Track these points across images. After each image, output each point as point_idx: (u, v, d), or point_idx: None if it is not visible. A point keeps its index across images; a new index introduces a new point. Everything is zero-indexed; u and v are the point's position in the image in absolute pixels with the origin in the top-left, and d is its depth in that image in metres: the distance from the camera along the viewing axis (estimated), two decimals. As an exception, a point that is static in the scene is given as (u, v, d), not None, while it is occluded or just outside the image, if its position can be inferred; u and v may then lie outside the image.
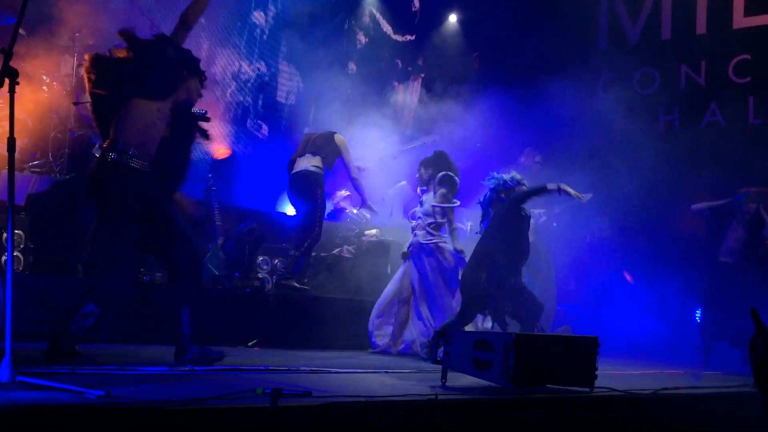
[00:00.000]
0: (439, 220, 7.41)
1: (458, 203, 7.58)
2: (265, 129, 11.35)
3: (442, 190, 7.42)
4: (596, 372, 4.66)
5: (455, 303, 7.14)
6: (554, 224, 10.26)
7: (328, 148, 8.25)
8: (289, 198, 8.49)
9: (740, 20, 10.93)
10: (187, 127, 5.31)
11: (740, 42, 10.83)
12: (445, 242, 7.42)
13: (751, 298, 7.99)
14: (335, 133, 8.43)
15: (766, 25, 10.64)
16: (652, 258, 10.28)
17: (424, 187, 7.66)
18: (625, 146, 10.10)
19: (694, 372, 7.01)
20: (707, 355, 8.21)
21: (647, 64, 11.44)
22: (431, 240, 7.34)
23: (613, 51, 11.59)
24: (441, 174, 7.44)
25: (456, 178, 7.51)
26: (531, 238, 9.02)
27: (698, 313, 9.23)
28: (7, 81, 3.69)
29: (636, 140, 10.18)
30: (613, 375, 5.26)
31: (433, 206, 7.41)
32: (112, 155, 4.83)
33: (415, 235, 7.50)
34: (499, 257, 6.66)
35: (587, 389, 4.59)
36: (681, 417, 4.70)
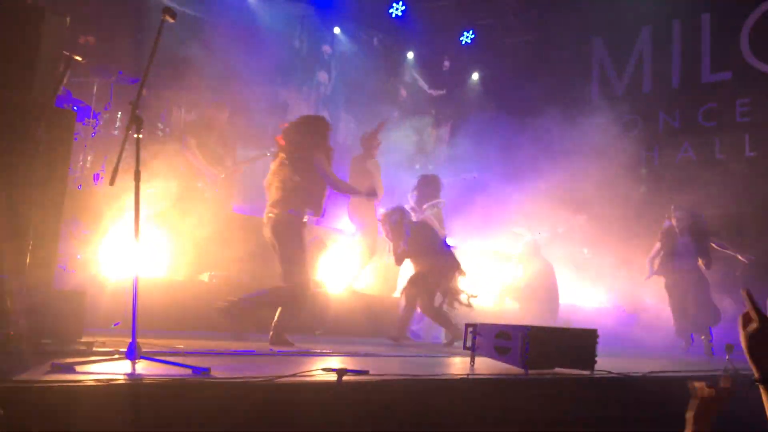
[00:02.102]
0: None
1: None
2: (327, 163, 11.40)
3: (434, 210, 7.37)
4: (596, 358, 4.57)
5: None
6: (557, 240, 10.13)
7: (376, 174, 8.25)
8: (349, 218, 8.44)
9: (707, 76, 10.75)
10: None
11: (707, 94, 10.66)
12: None
13: (705, 295, 7.80)
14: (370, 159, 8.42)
15: (728, 80, 10.45)
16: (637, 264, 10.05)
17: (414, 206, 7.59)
18: (613, 176, 9.94)
19: (675, 358, 6.82)
20: (686, 345, 7.96)
21: (632, 112, 11.30)
22: None
23: (604, 102, 11.48)
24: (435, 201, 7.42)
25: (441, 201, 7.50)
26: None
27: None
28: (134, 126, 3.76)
29: (622, 171, 10.02)
30: (610, 360, 5.13)
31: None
32: None
33: None
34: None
35: (588, 372, 4.50)
36: (666, 395, 4.57)
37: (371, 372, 3.49)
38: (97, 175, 7.54)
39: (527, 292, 8.76)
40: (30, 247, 4.05)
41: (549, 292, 8.78)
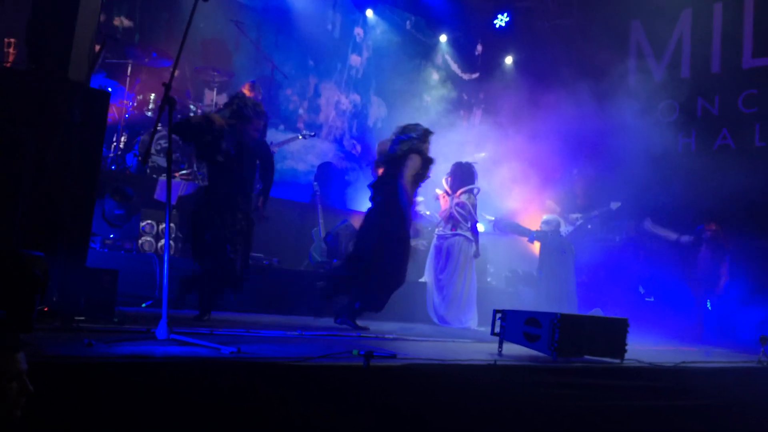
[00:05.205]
0: (461, 218, 7.35)
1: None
2: (358, 147, 11.40)
3: (467, 196, 7.36)
4: (626, 347, 4.51)
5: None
6: (589, 226, 9.99)
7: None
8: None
9: (749, 61, 10.43)
10: None
11: (748, 79, 10.35)
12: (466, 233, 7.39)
13: None
14: None
15: (771, 64, 10.14)
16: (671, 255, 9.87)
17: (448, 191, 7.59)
18: (649, 163, 9.74)
19: (707, 349, 6.71)
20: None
21: (669, 97, 11.02)
22: (455, 232, 7.33)
23: (641, 86, 11.23)
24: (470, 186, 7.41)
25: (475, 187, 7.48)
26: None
27: (709, 303, 8.78)
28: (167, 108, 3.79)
29: (659, 158, 9.82)
30: (640, 350, 5.07)
31: (459, 206, 7.33)
32: None
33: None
34: None
35: (618, 360, 4.44)
36: (697, 386, 4.51)
37: (399, 356, 3.49)
38: (131, 155, 7.64)
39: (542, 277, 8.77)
40: (63, 226, 4.11)
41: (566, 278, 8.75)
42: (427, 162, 5.96)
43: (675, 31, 11.28)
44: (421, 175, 5.92)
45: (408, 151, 5.84)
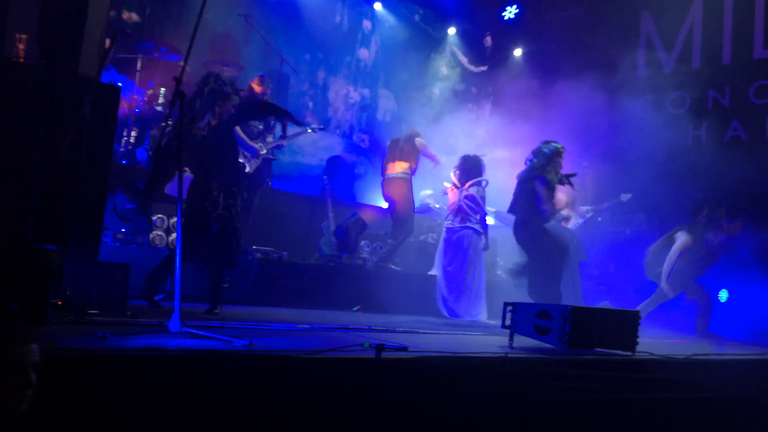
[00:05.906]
0: (470, 210, 7.33)
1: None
2: (367, 141, 11.39)
3: (476, 188, 7.34)
4: (637, 339, 4.50)
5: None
6: (599, 219, 9.95)
7: (412, 153, 8.16)
8: (384, 197, 8.43)
9: (760, 51, 10.35)
10: None
11: (760, 70, 10.26)
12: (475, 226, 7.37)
13: None
14: (416, 137, 8.29)
15: (783, 55, 10.06)
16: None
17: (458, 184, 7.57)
18: (659, 155, 9.69)
19: (719, 341, 6.68)
20: None
21: (679, 88, 10.94)
22: (464, 225, 7.31)
23: (651, 78, 11.16)
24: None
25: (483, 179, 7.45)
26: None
27: (722, 294, 8.72)
28: (178, 102, 3.79)
29: (669, 150, 9.76)
30: (651, 342, 5.05)
31: (467, 199, 7.32)
32: None
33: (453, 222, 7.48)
34: None
35: (630, 353, 4.43)
36: (709, 378, 4.49)
37: (410, 348, 3.50)
38: (141, 149, 7.66)
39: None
40: (76, 221, 4.13)
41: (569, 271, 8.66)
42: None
43: (685, 22, 11.19)
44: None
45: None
